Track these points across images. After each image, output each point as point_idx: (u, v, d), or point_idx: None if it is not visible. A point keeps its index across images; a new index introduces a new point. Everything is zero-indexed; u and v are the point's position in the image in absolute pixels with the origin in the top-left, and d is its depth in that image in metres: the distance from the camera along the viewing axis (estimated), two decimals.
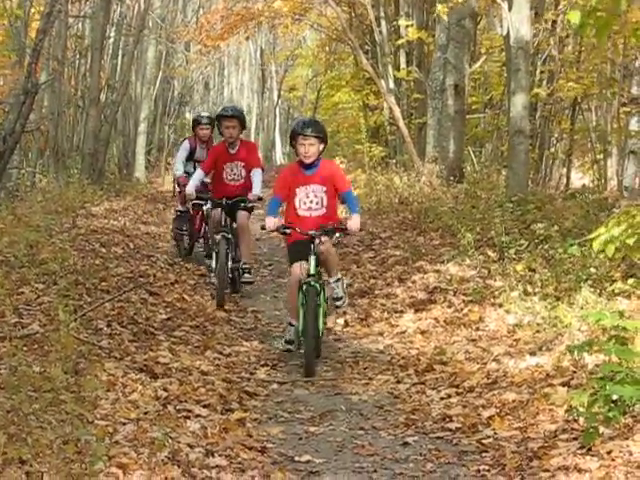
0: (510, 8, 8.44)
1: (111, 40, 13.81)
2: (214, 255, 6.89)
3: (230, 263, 7.06)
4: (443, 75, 10.14)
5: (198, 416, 4.31)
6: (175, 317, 6.63)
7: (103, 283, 7.01)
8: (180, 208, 8.71)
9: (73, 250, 7.66)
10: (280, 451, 4.02)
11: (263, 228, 5.66)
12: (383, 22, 10.40)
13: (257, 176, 6.84)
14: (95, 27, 12.52)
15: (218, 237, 6.83)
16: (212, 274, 7.21)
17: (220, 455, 3.83)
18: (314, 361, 5.17)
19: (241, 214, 6.75)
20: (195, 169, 7.71)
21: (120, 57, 14.45)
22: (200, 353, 5.65)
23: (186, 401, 4.47)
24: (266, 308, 7.23)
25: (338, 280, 5.55)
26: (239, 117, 6.82)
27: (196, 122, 8.64)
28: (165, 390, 4.57)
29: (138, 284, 7.25)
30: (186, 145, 8.51)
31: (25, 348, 4.60)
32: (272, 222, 5.32)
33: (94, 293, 6.68)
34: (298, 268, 5.31)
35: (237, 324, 6.88)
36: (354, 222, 5.36)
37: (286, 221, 5.52)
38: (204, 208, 7.54)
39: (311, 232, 5.28)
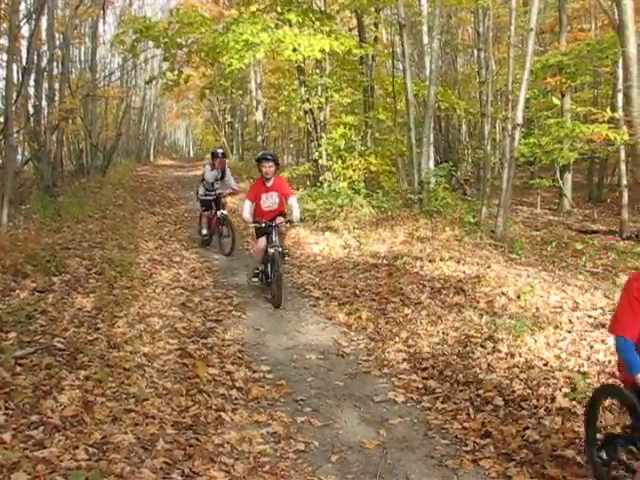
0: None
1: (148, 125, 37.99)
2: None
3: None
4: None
5: (168, 227, 11.87)
6: (161, 200, 15.06)
7: (140, 189, 16.17)
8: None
9: (132, 181, 17.58)
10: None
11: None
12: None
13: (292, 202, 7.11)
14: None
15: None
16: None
17: (178, 237, 11.56)
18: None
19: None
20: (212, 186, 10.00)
21: (146, 122, 36.93)
22: (168, 208, 13.92)
23: (164, 222, 12.27)
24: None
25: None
26: (274, 159, 6.96)
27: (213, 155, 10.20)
28: (159, 220, 12.40)
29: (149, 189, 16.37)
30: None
31: (117, 208, 12.71)
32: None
33: (137, 192, 15.65)
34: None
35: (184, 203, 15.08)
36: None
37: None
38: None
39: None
